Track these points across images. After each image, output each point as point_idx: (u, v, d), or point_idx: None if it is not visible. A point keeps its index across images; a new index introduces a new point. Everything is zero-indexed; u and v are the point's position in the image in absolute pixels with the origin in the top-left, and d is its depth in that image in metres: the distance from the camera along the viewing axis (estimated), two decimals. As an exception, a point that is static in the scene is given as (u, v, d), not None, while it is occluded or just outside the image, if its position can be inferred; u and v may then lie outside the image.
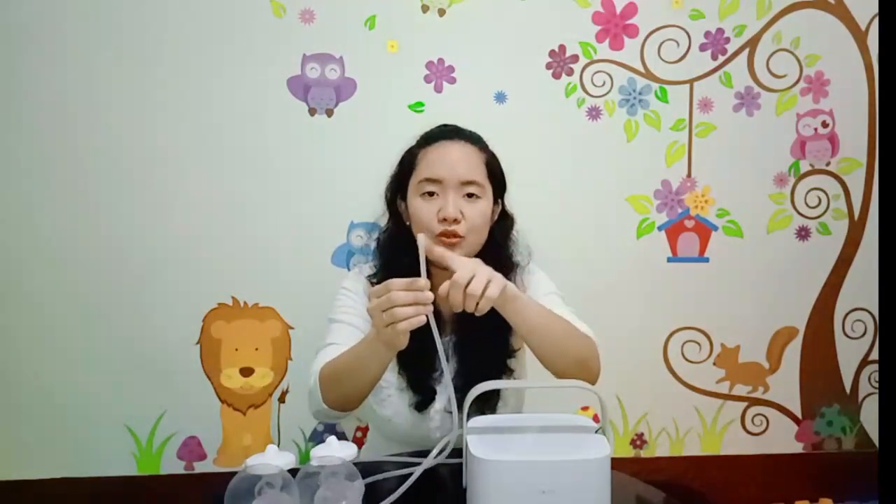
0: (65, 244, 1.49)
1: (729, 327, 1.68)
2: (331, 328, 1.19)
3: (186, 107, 1.51)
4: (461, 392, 0.99)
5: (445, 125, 1.24)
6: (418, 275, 0.94)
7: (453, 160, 1.14)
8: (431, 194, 1.14)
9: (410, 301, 0.91)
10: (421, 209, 1.14)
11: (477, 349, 1.16)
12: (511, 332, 1.17)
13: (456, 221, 1.11)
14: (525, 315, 1.04)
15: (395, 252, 1.21)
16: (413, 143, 1.23)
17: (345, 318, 1.19)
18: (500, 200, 1.24)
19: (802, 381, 1.71)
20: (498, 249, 1.21)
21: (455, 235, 1.11)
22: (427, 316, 0.92)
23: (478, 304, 0.95)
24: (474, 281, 0.95)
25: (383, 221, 1.29)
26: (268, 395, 1.58)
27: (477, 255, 1.15)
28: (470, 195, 1.14)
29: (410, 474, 0.91)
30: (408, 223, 1.20)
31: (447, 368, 1.01)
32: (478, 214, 1.14)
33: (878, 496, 0.97)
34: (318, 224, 1.55)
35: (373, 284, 1.20)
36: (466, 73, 1.56)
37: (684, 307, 1.67)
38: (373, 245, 1.32)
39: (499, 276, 0.98)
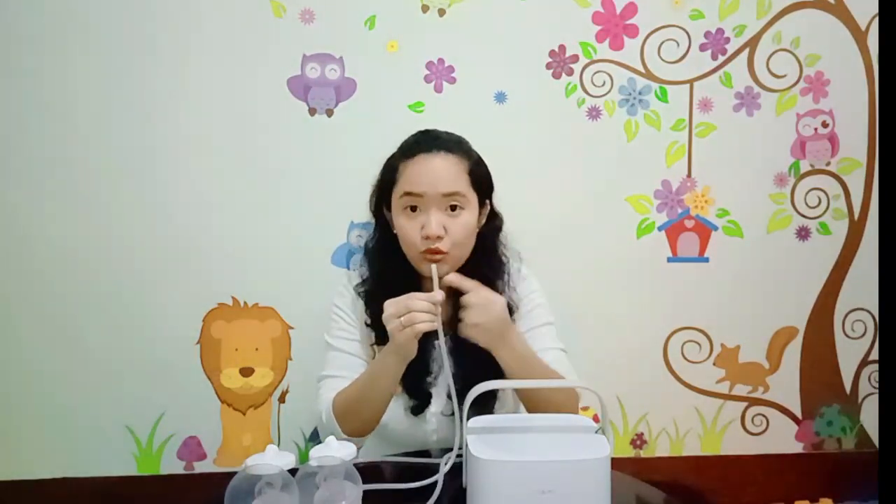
0: (64, 244, 1.49)
1: (729, 327, 1.68)
2: (328, 356, 1.22)
3: (186, 106, 1.51)
4: (460, 395, 1.01)
5: (426, 132, 1.22)
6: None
7: (434, 175, 1.13)
8: (414, 209, 1.13)
9: (426, 309, 1.00)
10: (405, 227, 1.14)
11: (474, 352, 1.17)
12: None
13: (439, 238, 1.11)
14: (514, 358, 1.09)
15: (384, 260, 1.22)
16: (394, 151, 1.22)
17: (341, 344, 1.21)
18: (487, 202, 1.23)
19: (802, 381, 1.71)
20: (486, 253, 1.20)
21: (439, 252, 1.12)
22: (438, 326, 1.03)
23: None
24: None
25: (371, 229, 1.29)
26: (268, 395, 1.58)
27: (465, 262, 1.17)
28: (453, 207, 1.13)
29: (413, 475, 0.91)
30: (395, 231, 1.20)
31: (448, 366, 1.05)
32: (461, 227, 1.13)
33: (878, 496, 0.97)
34: (318, 224, 1.55)
35: (359, 295, 1.21)
36: (466, 73, 1.56)
37: (684, 307, 1.67)
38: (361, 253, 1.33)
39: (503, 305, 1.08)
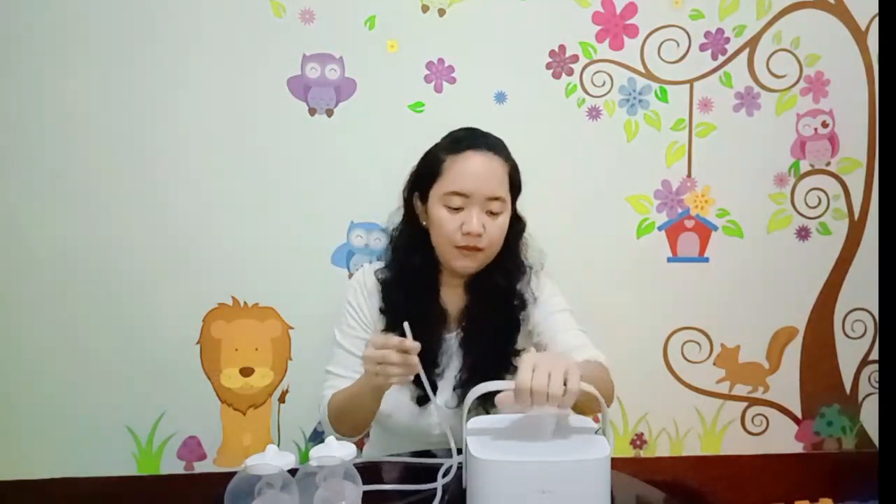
0: (65, 244, 1.49)
1: (729, 327, 1.68)
2: (335, 352, 1.24)
3: (186, 106, 1.51)
4: (466, 386, 1.07)
5: (471, 129, 1.24)
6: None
7: (481, 176, 1.16)
8: (457, 208, 1.16)
9: (399, 362, 0.98)
10: (445, 220, 1.16)
11: (482, 346, 1.20)
12: (517, 332, 1.20)
13: (478, 236, 1.15)
14: None
15: (408, 250, 1.25)
16: (438, 143, 1.24)
17: (347, 343, 1.23)
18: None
19: (802, 381, 1.71)
20: (509, 254, 1.23)
21: (476, 249, 1.15)
22: (419, 373, 1.01)
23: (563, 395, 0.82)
24: (540, 378, 0.82)
25: (398, 218, 1.30)
26: (268, 395, 1.58)
27: (491, 262, 1.20)
28: (493, 210, 1.17)
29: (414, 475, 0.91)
30: (424, 223, 1.23)
31: (436, 401, 1.07)
32: (498, 229, 1.18)
33: (878, 496, 0.97)
34: (318, 224, 1.55)
35: (379, 281, 1.23)
36: (466, 73, 1.56)
37: (684, 307, 1.67)
38: (385, 242, 1.37)
39: (571, 362, 0.85)
